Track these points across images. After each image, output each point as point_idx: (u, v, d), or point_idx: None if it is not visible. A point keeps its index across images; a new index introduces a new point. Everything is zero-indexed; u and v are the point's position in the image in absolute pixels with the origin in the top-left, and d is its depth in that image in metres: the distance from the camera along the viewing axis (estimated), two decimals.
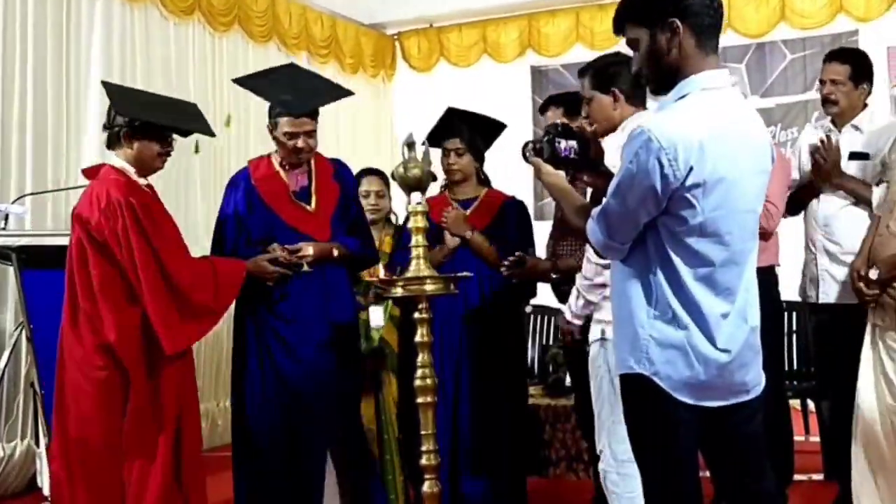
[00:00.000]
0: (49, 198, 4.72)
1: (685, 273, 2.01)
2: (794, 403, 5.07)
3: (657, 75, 2.08)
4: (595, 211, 2.11)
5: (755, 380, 2.17)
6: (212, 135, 3.30)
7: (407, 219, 3.65)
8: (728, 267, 2.04)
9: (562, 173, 2.31)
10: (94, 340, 2.89)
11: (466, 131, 3.58)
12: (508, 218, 3.64)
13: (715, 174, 1.96)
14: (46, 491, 3.81)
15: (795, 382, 4.79)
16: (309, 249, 3.21)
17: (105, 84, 3.22)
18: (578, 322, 2.91)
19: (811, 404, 4.83)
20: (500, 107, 7.29)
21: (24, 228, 4.39)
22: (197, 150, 5.38)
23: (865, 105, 3.54)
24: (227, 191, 3.39)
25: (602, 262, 2.63)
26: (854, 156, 3.44)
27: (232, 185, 3.38)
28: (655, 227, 2.02)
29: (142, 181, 3.04)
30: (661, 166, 1.93)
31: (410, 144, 2.97)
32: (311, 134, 3.31)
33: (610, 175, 2.23)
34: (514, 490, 3.56)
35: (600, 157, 2.40)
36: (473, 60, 7.28)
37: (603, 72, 2.82)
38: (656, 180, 1.94)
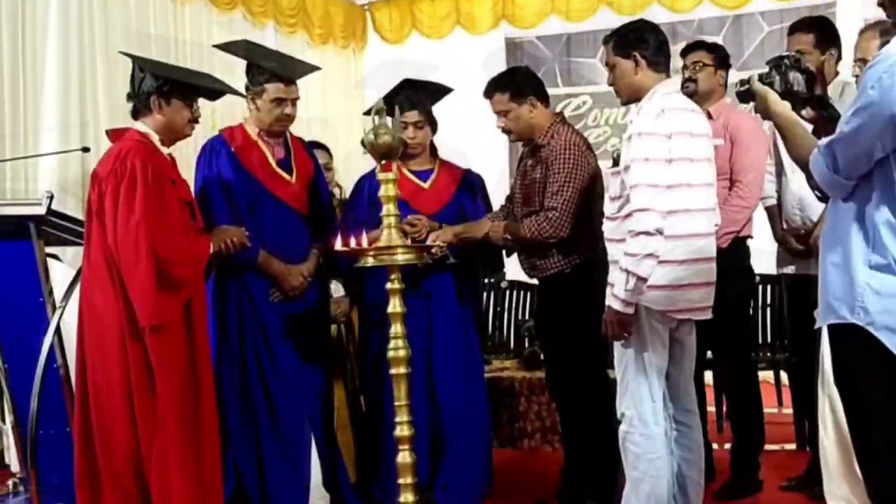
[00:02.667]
0: (7, 168, 4.60)
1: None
2: (767, 375, 5.10)
3: None
4: (823, 141, 1.98)
5: None
6: (242, 95, 3.30)
7: (353, 192, 3.66)
8: None
9: (788, 106, 2.21)
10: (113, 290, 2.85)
11: (423, 102, 3.58)
12: (475, 191, 3.67)
13: None
14: (15, 467, 3.75)
15: (769, 354, 4.82)
16: (299, 280, 3.30)
17: (126, 54, 3.19)
18: (632, 310, 2.70)
19: (784, 376, 4.86)
20: (473, 80, 7.13)
21: None
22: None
23: (837, 73, 3.49)
24: (205, 158, 3.35)
25: (645, 227, 2.62)
26: None
27: (210, 151, 3.33)
28: (885, 164, 1.88)
29: (164, 149, 3.00)
30: None
31: (380, 111, 2.92)
32: (296, 102, 3.36)
33: (832, 117, 2.16)
34: (480, 461, 3.57)
35: (825, 95, 2.34)
36: (446, 32, 7.18)
37: (625, 37, 2.84)
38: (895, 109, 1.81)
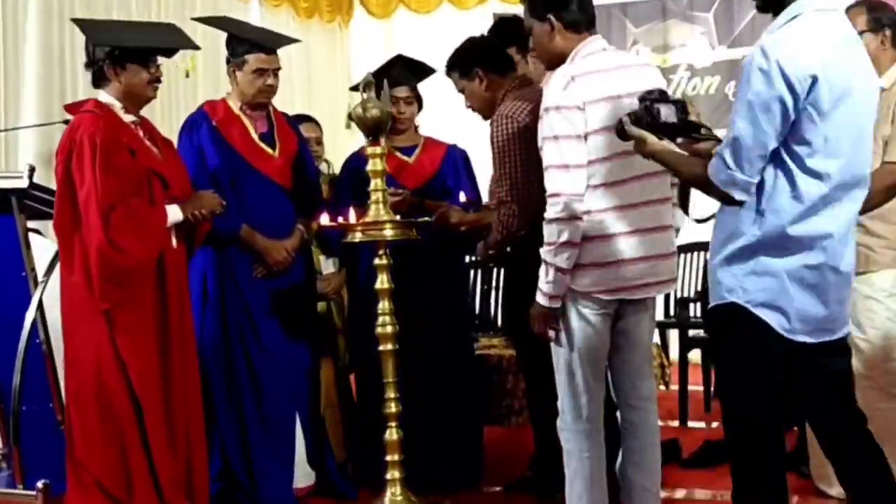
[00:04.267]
0: None
1: (790, 201, 1.99)
2: None
3: None
4: (718, 147, 2.06)
5: (844, 318, 2.13)
6: (196, 48, 3.21)
7: (345, 166, 3.62)
8: (836, 195, 2.02)
9: (664, 143, 2.19)
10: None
11: (413, 79, 3.55)
12: (457, 167, 3.64)
13: (836, 100, 1.95)
14: None
15: None
16: (283, 255, 3.25)
17: (76, 20, 3.12)
18: (557, 304, 2.50)
19: None
20: None
21: None
22: (188, 75, 5.14)
23: None
24: (186, 133, 3.31)
25: (558, 213, 2.45)
26: None
27: (192, 126, 3.30)
28: (778, 151, 1.99)
29: (129, 117, 2.91)
30: (780, 89, 1.92)
31: (368, 86, 2.88)
32: (277, 73, 3.30)
33: (713, 139, 2.19)
34: (471, 439, 3.57)
35: (699, 123, 2.28)
36: (433, 7, 7.11)
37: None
38: (776, 103, 1.93)
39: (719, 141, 2.22)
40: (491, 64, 3.09)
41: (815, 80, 1.93)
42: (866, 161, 2.12)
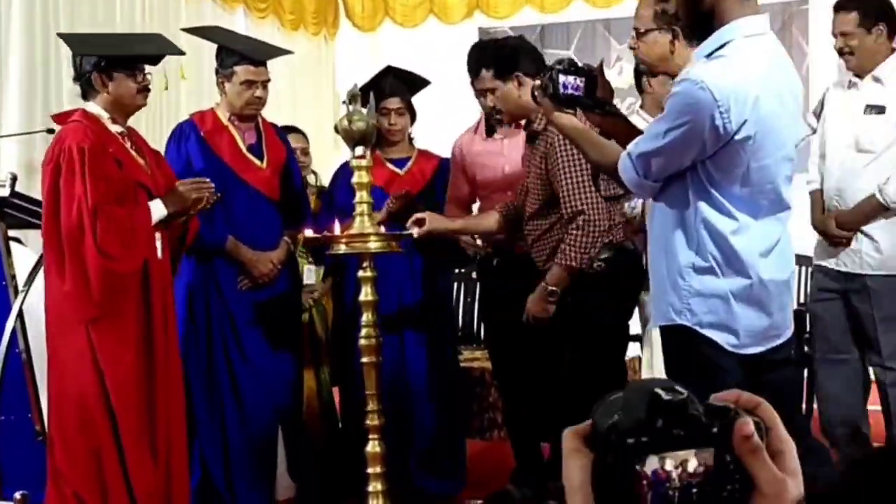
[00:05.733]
0: None
1: (725, 221, 2.01)
2: None
3: (693, 19, 2.05)
4: (632, 149, 2.06)
5: (787, 323, 2.19)
6: (182, 53, 3.22)
7: (334, 179, 3.62)
8: (768, 214, 2.06)
9: (572, 117, 2.21)
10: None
11: (405, 91, 3.54)
12: (448, 180, 3.62)
13: (765, 127, 1.97)
14: None
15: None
16: (269, 267, 3.23)
17: (61, 35, 3.13)
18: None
19: None
20: (446, 69, 7.14)
21: None
22: (183, 76, 5.12)
23: (893, 50, 3.17)
24: (174, 142, 3.30)
25: None
26: (870, 108, 3.15)
27: (180, 136, 3.28)
28: (696, 172, 2.01)
29: (116, 128, 2.90)
30: (713, 119, 1.92)
31: (354, 97, 2.88)
32: (266, 85, 3.28)
33: (620, 116, 2.22)
34: (452, 452, 3.56)
35: (609, 97, 2.30)
36: (419, 21, 7.15)
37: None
38: (706, 133, 1.93)
39: (623, 118, 2.24)
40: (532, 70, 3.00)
41: (742, 108, 1.94)
42: (788, 185, 2.13)
